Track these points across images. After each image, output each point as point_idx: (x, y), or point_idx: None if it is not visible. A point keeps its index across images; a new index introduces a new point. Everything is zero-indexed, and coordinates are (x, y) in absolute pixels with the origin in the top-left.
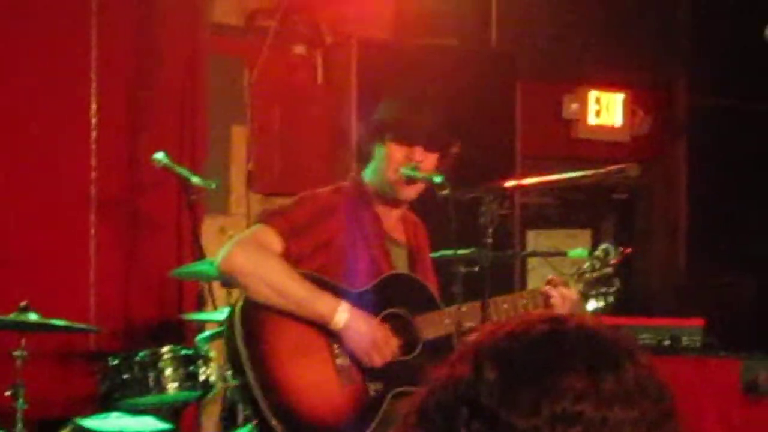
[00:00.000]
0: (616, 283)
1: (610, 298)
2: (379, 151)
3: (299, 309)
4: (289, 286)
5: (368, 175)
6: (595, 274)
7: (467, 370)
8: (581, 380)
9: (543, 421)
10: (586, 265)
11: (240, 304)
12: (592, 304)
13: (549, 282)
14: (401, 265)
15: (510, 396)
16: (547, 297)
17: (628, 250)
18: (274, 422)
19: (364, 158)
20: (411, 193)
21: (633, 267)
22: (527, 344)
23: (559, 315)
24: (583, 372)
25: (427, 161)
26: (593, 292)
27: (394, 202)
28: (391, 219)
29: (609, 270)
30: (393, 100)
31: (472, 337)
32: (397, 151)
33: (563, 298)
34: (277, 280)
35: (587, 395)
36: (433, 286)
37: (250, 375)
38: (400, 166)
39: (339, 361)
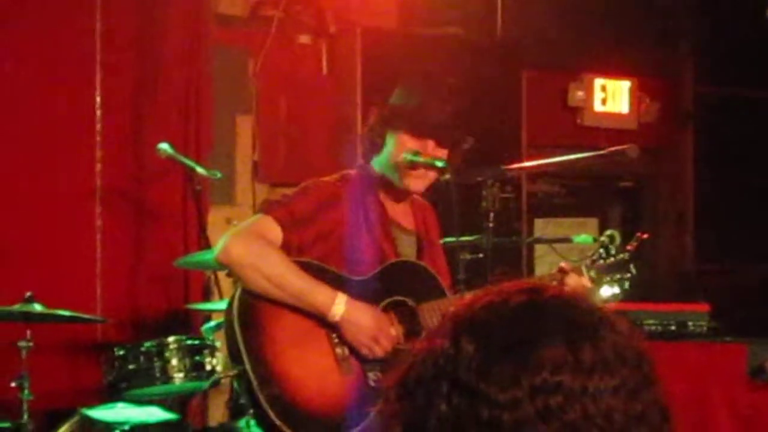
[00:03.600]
0: (632, 269)
1: (626, 284)
2: (391, 139)
3: (296, 301)
4: (285, 278)
5: (378, 163)
6: (609, 261)
7: (446, 343)
8: (559, 350)
9: (523, 392)
10: (600, 251)
11: (238, 293)
12: (606, 291)
13: (560, 269)
14: (409, 253)
15: (489, 369)
16: (559, 284)
17: (645, 235)
18: (270, 412)
19: (375, 147)
20: (418, 184)
21: (640, 254)
22: (505, 316)
23: (537, 285)
24: (561, 342)
25: (437, 155)
26: (607, 278)
27: (401, 192)
28: (399, 207)
29: (624, 256)
30: (410, 89)
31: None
32: (409, 143)
33: (574, 285)
34: (273, 272)
35: (566, 365)
36: (442, 272)
37: (248, 365)
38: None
39: (338, 350)
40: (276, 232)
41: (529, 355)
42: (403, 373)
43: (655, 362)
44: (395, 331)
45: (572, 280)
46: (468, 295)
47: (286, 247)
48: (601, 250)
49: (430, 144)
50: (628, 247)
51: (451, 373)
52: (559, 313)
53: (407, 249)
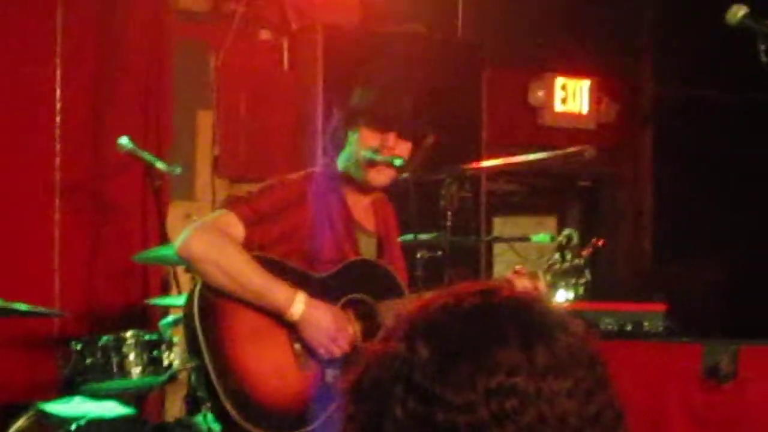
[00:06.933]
0: (587, 274)
1: (580, 289)
2: (353, 137)
3: (255, 298)
4: (245, 275)
5: (341, 161)
6: (564, 266)
7: (401, 346)
8: (514, 353)
9: (478, 396)
10: (556, 256)
11: (198, 287)
12: (561, 294)
13: (516, 272)
14: (369, 253)
15: (444, 372)
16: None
17: (600, 242)
18: (228, 406)
19: (338, 146)
20: (380, 178)
21: (599, 253)
22: (459, 318)
23: (491, 286)
24: (515, 345)
25: (399, 149)
26: (563, 283)
27: (364, 189)
28: (361, 206)
29: (580, 261)
30: (369, 87)
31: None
32: (370, 138)
33: (522, 289)
34: (233, 268)
35: (520, 368)
36: (401, 271)
37: (207, 358)
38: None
39: (296, 346)
40: (238, 229)
41: (484, 358)
42: (359, 376)
43: (608, 364)
44: (353, 329)
45: (521, 283)
46: (426, 295)
47: (248, 245)
48: (557, 255)
49: (391, 136)
50: (583, 253)
51: (406, 377)
52: (512, 315)
53: (368, 250)
